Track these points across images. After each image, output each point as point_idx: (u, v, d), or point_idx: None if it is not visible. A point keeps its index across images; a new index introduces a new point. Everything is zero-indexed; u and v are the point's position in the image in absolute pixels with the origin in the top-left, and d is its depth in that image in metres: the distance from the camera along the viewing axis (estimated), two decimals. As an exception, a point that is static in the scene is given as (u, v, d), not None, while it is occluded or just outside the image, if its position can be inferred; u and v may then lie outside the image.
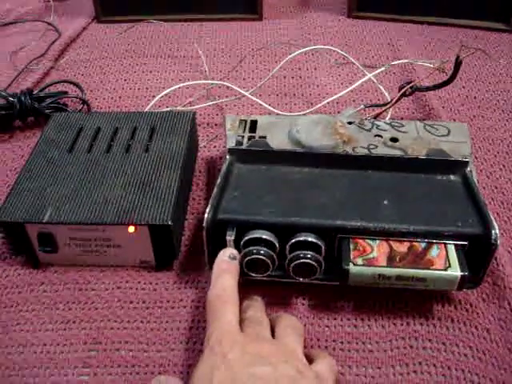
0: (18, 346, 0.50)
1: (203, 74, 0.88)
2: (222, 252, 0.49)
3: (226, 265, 0.48)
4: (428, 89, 0.71)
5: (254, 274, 0.49)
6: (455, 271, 0.46)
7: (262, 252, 0.47)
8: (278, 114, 0.75)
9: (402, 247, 0.48)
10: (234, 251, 0.49)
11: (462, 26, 0.98)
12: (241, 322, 0.45)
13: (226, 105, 0.80)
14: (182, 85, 0.80)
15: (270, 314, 0.50)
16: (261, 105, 0.75)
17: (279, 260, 0.48)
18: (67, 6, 1.12)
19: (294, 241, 0.48)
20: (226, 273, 0.47)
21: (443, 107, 0.78)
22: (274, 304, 0.52)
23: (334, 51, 0.86)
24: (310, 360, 0.44)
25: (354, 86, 0.75)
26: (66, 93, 0.79)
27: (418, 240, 0.48)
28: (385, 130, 0.61)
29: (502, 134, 0.73)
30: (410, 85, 0.69)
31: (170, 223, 0.52)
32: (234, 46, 0.96)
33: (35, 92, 0.76)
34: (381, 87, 0.78)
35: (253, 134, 0.61)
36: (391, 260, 0.47)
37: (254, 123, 0.63)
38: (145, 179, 0.56)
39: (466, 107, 0.79)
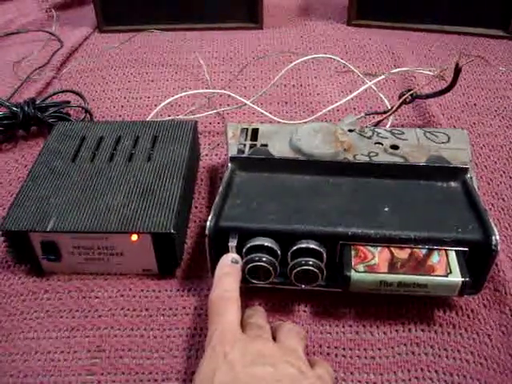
0: (22, 354, 0.50)
1: (205, 83, 0.88)
2: (224, 256, 0.49)
3: (228, 268, 0.48)
4: (428, 96, 0.71)
5: (256, 281, 0.49)
6: (456, 277, 0.46)
7: (264, 259, 0.48)
8: (279, 123, 0.75)
9: (403, 254, 0.48)
10: (236, 256, 0.49)
11: (461, 33, 0.98)
12: (243, 327, 0.45)
13: (228, 113, 0.81)
14: (183, 94, 0.81)
15: (271, 321, 0.51)
16: (262, 113, 0.76)
17: (281, 267, 0.49)
18: (69, 16, 1.13)
19: (295, 248, 0.48)
20: (228, 275, 0.48)
21: (443, 114, 0.78)
22: (275, 311, 0.53)
23: (335, 59, 0.86)
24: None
25: (354, 94, 0.76)
26: (68, 102, 0.80)
27: (419, 246, 0.48)
28: (385, 138, 0.62)
29: (502, 140, 0.74)
30: (410, 92, 0.69)
31: (172, 231, 0.52)
32: (234, 55, 0.97)
33: (38, 102, 0.76)
34: (381, 95, 0.79)
35: (254, 142, 0.62)
36: (392, 266, 0.47)
37: (255, 131, 0.63)
38: (147, 188, 0.57)
39: (466, 114, 0.79)
